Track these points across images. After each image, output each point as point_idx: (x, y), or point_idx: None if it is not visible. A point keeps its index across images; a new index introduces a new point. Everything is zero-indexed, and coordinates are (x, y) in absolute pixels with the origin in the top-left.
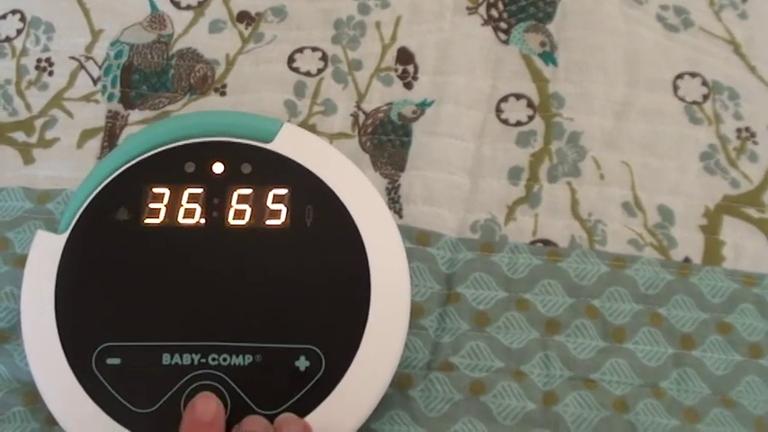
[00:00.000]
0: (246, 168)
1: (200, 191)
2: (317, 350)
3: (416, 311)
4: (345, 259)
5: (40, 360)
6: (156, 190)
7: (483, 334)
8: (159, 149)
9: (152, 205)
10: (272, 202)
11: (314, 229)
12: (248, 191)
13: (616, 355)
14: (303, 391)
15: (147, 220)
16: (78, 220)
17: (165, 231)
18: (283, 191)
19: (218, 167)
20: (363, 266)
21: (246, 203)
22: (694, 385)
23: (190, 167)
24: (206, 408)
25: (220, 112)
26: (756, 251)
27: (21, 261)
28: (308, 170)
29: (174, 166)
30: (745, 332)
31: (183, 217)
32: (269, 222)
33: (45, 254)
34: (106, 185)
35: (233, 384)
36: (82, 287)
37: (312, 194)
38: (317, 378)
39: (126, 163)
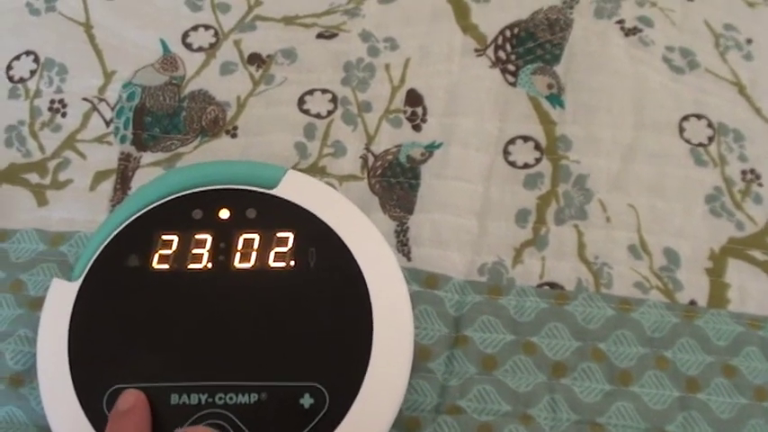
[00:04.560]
0: (251, 213)
1: (207, 236)
2: (321, 388)
3: (424, 354)
4: (348, 299)
5: (55, 402)
6: (165, 237)
7: (490, 377)
8: (168, 198)
9: (161, 251)
10: (277, 246)
11: (317, 270)
12: (253, 235)
13: (622, 399)
14: (307, 429)
15: (157, 266)
16: (91, 268)
17: (173, 276)
18: (287, 234)
19: (224, 213)
20: (366, 306)
21: (252, 247)
22: (700, 429)
23: (197, 214)
24: (125, 399)
25: (226, 162)
26: (761, 293)
27: (34, 303)
28: (311, 213)
29: (182, 213)
30: (750, 375)
31: (192, 262)
32: (274, 265)
33: (60, 301)
34: (117, 234)
35: (239, 423)
36: (94, 332)
37: (315, 237)
38: (321, 415)
39: (137, 212)
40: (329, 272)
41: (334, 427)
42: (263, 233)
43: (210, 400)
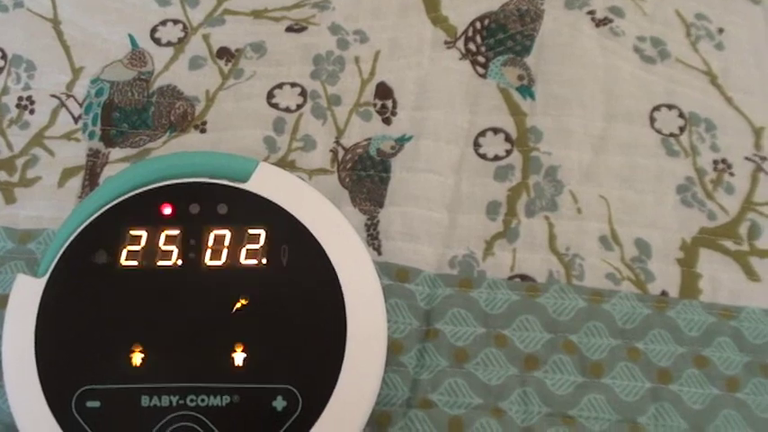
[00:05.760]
0: (222, 209)
1: (176, 232)
2: (294, 390)
3: (395, 348)
4: (321, 298)
5: (21, 403)
6: (133, 232)
7: (461, 370)
8: (136, 192)
9: (130, 248)
10: (249, 243)
11: (290, 268)
12: (224, 231)
13: (594, 391)
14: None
15: (125, 263)
16: (57, 264)
17: (142, 274)
18: (259, 231)
19: (194, 208)
20: (339, 305)
21: (223, 244)
22: (672, 420)
23: (167, 209)
24: None
25: (197, 153)
26: (733, 284)
27: (2, 302)
28: (283, 209)
29: (150, 208)
30: (722, 366)
31: (161, 259)
32: (245, 262)
33: (25, 298)
34: (84, 229)
35: (211, 425)
36: (61, 331)
37: (288, 234)
38: (294, 418)
39: (104, 206)
40: (302, 270)
41: (308, 429)
42: (235, 230)
43: (182, 402)
